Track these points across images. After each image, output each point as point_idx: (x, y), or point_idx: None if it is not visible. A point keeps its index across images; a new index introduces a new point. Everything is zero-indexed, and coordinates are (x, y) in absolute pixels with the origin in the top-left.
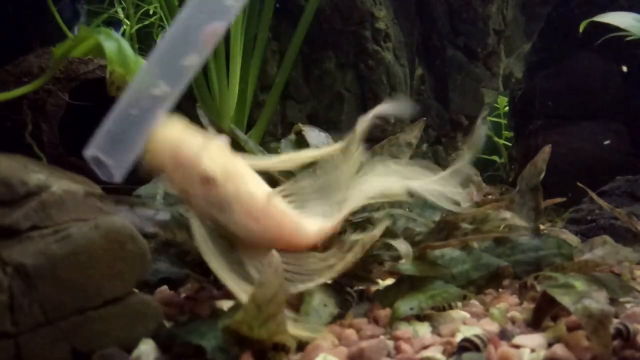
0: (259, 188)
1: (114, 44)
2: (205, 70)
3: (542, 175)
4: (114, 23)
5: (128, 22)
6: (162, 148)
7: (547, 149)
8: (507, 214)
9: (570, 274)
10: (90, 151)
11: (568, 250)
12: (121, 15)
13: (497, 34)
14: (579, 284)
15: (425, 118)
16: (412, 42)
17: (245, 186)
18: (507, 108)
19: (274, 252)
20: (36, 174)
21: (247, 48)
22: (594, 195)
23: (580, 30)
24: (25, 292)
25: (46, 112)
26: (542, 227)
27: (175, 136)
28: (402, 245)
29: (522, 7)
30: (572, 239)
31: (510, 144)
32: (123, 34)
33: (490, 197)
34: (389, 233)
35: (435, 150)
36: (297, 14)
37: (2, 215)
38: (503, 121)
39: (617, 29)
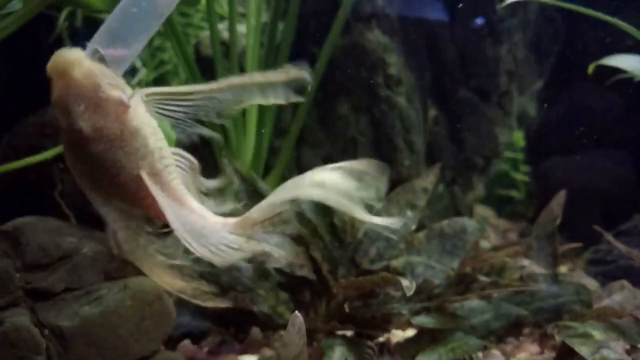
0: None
1: None
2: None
3: (558, 221)
4: (132, 70)
5: (145, 69)
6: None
7: (562, 193)
8: (526, 262)
9: (589, 321)
10: (91, 45)
11: (587, 297)
12: (138, 63)
13: (509, 74)
14: (597, 333)
15: (440, 162)
16: (425, 85)
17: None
18: (523, 143)
19: (297, 314)
20: (69, 237)
21: None
22: (610, 238)
23: (589, 72)
24: (61, 353)
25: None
26: (563, 268)
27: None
28: (404, 281)
29: (533, 46)
30: (591, 283)
31: (527, 180)
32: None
33: (508, 234)
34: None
35: (452, 191)
36: (311, 61)
37: (39, 278)
38: (520, 156)
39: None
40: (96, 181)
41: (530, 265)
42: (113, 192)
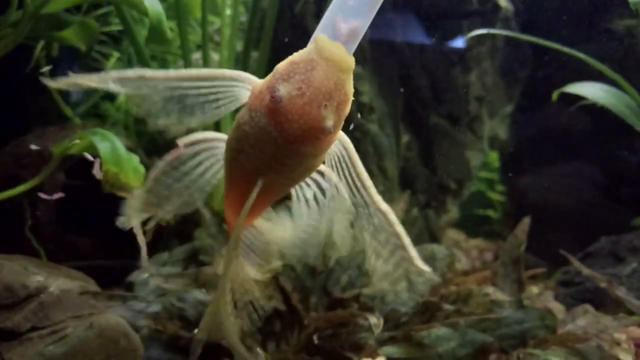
0: None
1: (108, 145)
2: None
3: (523, 247)
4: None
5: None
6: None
7: (526, 220)
8: (490, 289)
9: (552, 347)
10: (327, 22)
11: (551, 322)
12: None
13: (478, 100)
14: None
15: (413, 187)
16: (397, 111)
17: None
18: (498, 164)
19: (259, 353)
20: (36, 276)
21: None
22: (575, 262)
23: (554, 99)
24: None
25: (44, 193)
26: (535, 289)
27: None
28: (372, 319)
29: (502, 72)
30: (557, 307)
31: (503, 200)
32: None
33: (485, 254)
34: (366, 309)
35: (426, 215)
36: None
37: (5, 318)
38: (495, 176)
39: None
40: (267, 173)
41: (495, 293)
42: (266, 190)
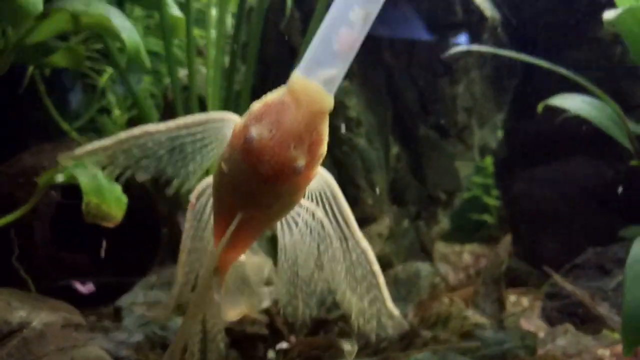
0: None
1: (89, 176)
2: None
3: (504, 267)
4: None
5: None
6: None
7: (508, 238)
8: (469, 312)
9: None
10: (304, 69)
11: (532, 342)
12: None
13: (467, 110)
14: None
15: (403, 200)
16: (386, 123)
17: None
18: (492, 169)
19: None
20: (18, 312)
21: None
22: (557, 278)
23: (539, 111)
24: None
25: (38, 211)
26: (525, 300)
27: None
28: (347, 346)
29: (491, 81)
30: (539, 325)
31: (498, 204)
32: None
33: (480, 260)
34: (345, 333)
35: (417, 226)
36: None
37: None
38: (490, 181)
39: None
40: (246, 209)
41: (474, 316)
42: (247, 226)
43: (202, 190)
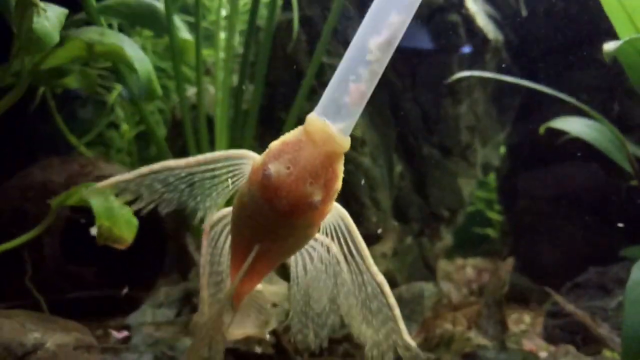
0: None
1: (101, 200)
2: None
3: (506, 289)
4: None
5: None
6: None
7: (510, 260)
8: (471, 334)
9: None
10: (314, 116)
11: None
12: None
13: (470, 129)
14: None
15: (406, 219)
16: (390, 142)
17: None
18: (495, 183)
19: None
20: (33, 334)
21: None
22: (558, 298)
23: (541, 132)
24: None
25: (49, 227)
26: (527, 317)
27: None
28: None
29: (494, 100)
30: (541, 345)
31: (501, 219)
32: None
33: (483, 275)
34: (348, 355)
35: (420, 243)
36: (279, 126)
37: None
38: (493, 195)
39: None
40: (263, 242)
41: (476, 337)
42: (264, 258)
43: (217, 220)
